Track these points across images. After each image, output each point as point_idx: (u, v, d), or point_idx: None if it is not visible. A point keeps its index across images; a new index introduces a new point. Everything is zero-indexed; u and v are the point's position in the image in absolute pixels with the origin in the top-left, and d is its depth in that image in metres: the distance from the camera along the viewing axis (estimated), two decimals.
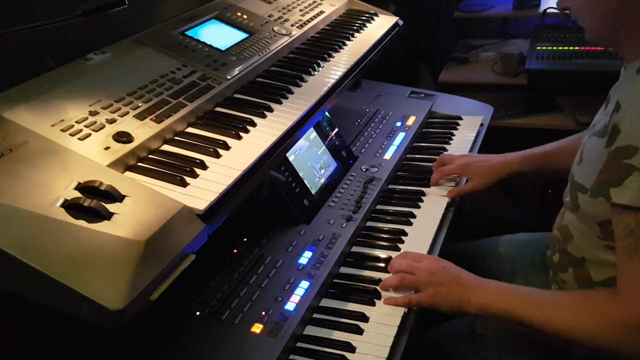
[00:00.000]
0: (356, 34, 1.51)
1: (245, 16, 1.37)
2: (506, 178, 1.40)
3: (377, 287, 1.13)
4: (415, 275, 1.10)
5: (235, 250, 1.19)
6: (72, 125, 0.87)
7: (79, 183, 0.77)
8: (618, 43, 1.03)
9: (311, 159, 1.41)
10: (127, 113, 0.94)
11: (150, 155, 0.92)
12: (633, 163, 0.89)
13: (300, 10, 1.51)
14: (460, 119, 1.75)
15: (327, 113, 1.52)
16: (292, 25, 1.42)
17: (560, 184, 1.21)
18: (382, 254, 1.23)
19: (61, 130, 0.86)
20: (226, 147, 0.97)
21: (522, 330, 1.05)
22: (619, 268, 0.95)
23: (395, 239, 1.27)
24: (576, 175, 1.09)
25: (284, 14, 1.45)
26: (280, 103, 1.14)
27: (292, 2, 1.52)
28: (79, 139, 0.85)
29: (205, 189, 0.86)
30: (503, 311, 1.03)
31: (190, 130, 1.01)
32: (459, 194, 1.41)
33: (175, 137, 0.98)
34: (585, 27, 1.05)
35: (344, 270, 1.20)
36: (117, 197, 0.77)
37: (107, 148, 0.86)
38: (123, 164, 0.87)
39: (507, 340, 1.20)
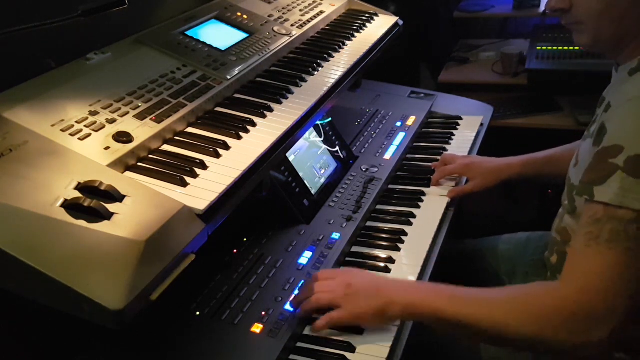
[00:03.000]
0: (356, 34, 1.51)
1: (245, 16, 1.36)
2: (507, 181, 1.41)
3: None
4: (332, 292, 1.03)
5: (235, 250, 1.19)
6: (72, 125, 0.87)
7: (79, 183, 0.77)
8: (619, 45, 1.02)
9: (311, 159, 1.41)
10: (127, 113, 0.94)
11: (150, 155, 0.92)
12: (617, 162, 0.89)
13: (300, 10, 1.50)
14: (460, 119, 1.75)
15: (327, 113, 1.52)
16: (292, 25, 1.42)
17: (561, 184, 1.21)
18: (382, 254, 1.23)
19: (61, 130, 0.85)
20: (226, 147, 0.97)
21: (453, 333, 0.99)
22: (571, 251, 0.94)
23: (395, 239, 1.27)
24: (572, 178, 1.09)
25: (284, 14, 1.45)
26: (280, 103, 1.14)
27: (292, 2, 1.52)
28: (79, 139, 0.85)
29: (205, 189, 0.85)
30: (433, 310, 0.97)
31: (190, 130, 1.01)
32: (459, 194, 1.42)
33: (175, 137, 0.98)
34: (591, 30, 1.01)
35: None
36: (117, 197, 0.77)
37: (107, 148, 0.86)
38: (123, 164, 0.87)
39: None
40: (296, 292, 1.09)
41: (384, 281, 1.07)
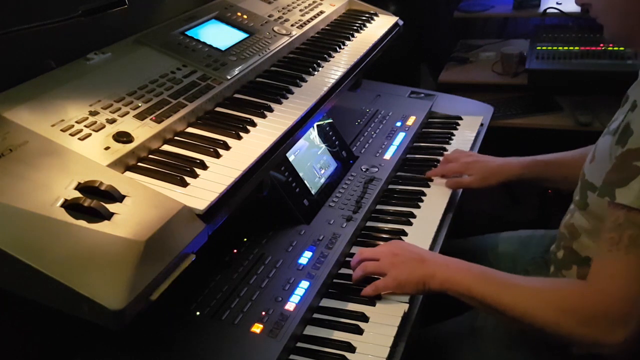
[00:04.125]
0: (356, 34, 1.51)
1: (245, 16, 1.36)
2: (506, 181, 1.41)
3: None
4: (379, 260, 1.12)
5: (235, 250, 1.19)
6: (72, 125, 0.87)
7: (79, 183, 0.77)
8: (636, 42, 1.03)
9: (311, 159, 1.41)
10: (127, 113, 0.94)
11: (150, 155, 0.92)
12: None
13: (300, 10, 1.50)
14: (460, 119, 1.75)
15: (327, 113, 1.52)
16: (292, 25, 1.42)
17: (561, 189, 1.21)
18: None
19: (61, 130, 0.85)
20: (226, 147, 0.97)
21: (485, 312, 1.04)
22: (596, 256, 0.96)
23: (395, 239, 1.27)
24: (587, 174, 1.09)
25: (284, 14, 1.45)
26: (280, 103, 1.14)
27: (292, 2, 1.52)
28: (79, 139, 0.85)
29: (205, 189, 0.86)
30: (465, 288, 1.03)
31: (190, 130, 1.01)
32: (457, 186, 1.44)
33: (175, 137, 0.98)
34: (604, 25, 1.04)
35: (344, 270, 1.20)
36: (117, 197, 0.77)
37: (107, 148, 0.86)
38: (123, 164, 0.87)
39: (507, 337, 1.20)
40: (296, 292, 1.09)
41: (428, 254, 1.13)
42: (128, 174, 0.86)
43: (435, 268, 1.07)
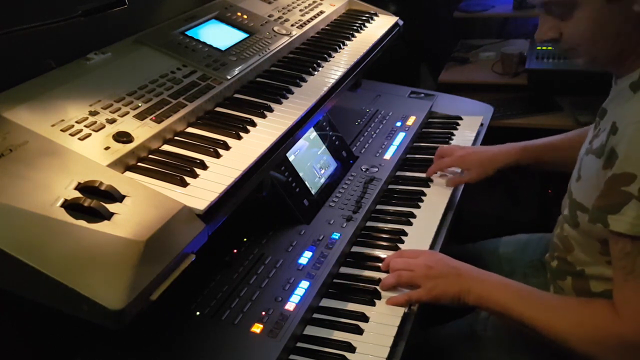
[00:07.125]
0: (356, 34, 1.51)
1: (245, 16, 1.36)
2: (504, 168, 1.40)
3: (377, 287, 1.13)
4: (413, 272, 1.10)
5: (235, 250, 1.19)
6: (72, 125, 0.87)
7: (79, 183, 0.77)
8: (618, 60, 1.00)
9: (311, 159, 1.41)
10: (127, 113, 0.94)
11: (150, 155, 0.92)
12: (631, 191, 0.88)
13: (300, 10, 1.50)
14: (460, 119, 1.76)
15: (327, 113, 1.52)
16: (292, 25, 1.42)
17: (561, 184, 1.20)
18: (382, 254, 1.23)
19: (61, 130, 0.86)
20: (226, 147, 0.97)
21: (517, 328, 1.04)
22: (615, 285, 0.95)
23: (395, 239, 1.27)
24: (575, 193, 1.08)
25: (284, 14, 1.45)
26: (280, 103, 1.14)
27: (292, 2, 1.52)
28: (79, 139, 0.85)
29: (205, 189, 0.86)
30: (502, 306, 1.03)
31: (190, 130, 1.01)
32: (457, 184, 1.43)
33: (175, 137, 0.98)
34: (586, 53, 1.00)
35: (344, 270, 1.20)
36: (117, 197, 0.77)
37: (107, 148, 0.86)
38: (123, 164, 0.87)
39: (507, 340, 1.20)
40: (296, 292, 1.09)
41: (464, 267, 1.11)
42: (128, 174, 0.86)
43: (471, 283, 1.06)
